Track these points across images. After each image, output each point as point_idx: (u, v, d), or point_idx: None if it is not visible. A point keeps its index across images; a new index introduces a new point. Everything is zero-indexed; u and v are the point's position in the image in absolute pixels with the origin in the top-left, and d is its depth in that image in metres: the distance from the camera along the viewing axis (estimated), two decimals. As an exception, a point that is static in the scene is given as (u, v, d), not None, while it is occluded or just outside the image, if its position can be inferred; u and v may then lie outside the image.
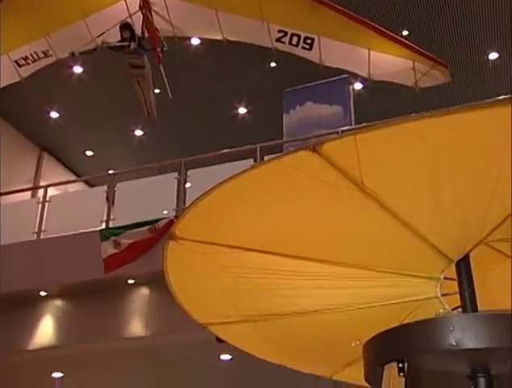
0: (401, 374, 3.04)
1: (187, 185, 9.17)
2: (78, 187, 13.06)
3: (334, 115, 9.78)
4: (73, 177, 14.19)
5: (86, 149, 13.74)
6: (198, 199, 3.11)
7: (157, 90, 9.32)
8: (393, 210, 2.94)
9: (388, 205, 2.90)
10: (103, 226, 8.39)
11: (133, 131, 13.34)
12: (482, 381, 3.03)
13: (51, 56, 9.29)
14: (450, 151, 2.56)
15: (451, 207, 2.91)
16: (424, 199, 2.90)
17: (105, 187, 9.15)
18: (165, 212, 8.68)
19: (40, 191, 9.84)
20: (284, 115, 10.23)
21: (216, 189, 2.99)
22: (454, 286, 3.43)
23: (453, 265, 3.39)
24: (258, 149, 8.77)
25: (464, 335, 2.78)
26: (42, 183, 10.93)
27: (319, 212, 3.09)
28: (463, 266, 3.34)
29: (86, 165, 14.07)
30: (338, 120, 9.58)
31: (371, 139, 2.52)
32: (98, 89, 12.09)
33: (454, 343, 2.79)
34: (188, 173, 9.23)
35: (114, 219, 8.64)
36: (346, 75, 9.75)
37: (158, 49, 8.45)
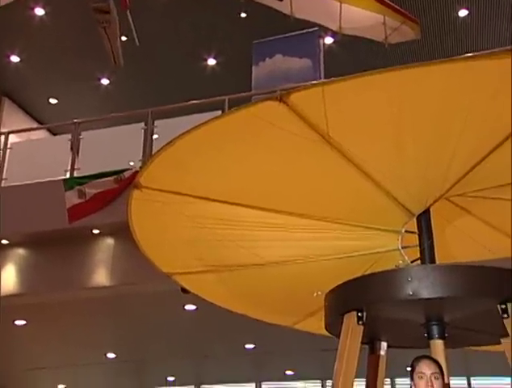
0: (360, 323, 3.14)
1: (155, 136, 9.05)
2: (41, 135, 12.76)
3: (304, 69, 9.70)
4: (35, 125, 13.84)
5: (50, 97, 13.35)
6: (163, 148, 3.07)
7: (123, 38, 9.05)
8: (358, 163, 2.96)
9: (352, 158, 2.92)
10: (68, 176, 8.27)
11: (99, 79, 12.99)
12: (435, 328, 3.15)
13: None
14: (414, 104, 2.58)
15: (414, 161, 2.95)
16: (388, 152, 2.93)
17: (69, 136, 8.98)
18: (132, 163, 8.58)
19: (1, 138, 9.54)
20: (253, 68, 10.10)
21: (181, 138, 2.96)
22: (414, 239, 3.52)
23: (414, 219, 3.47)
24: (227, 101, 8.68)
25: (421, 286, 2.87)
26: (3, 130, 10.58)
27: (284, 164, 3.10)
28: (424, 220, 3.42)
29: (50, 113, 13.71)
30: (308, 73, 9.51)
31: (338, 90, 2.51)
32: (62, 34, 11.67)
33: (411, 293, 2.88)
34: (155, 123, 9.09)
35: (79, 169, 8.50)
36: (316, 28, 9.63)
37: (125, -6, 8.14)
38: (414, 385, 2.78)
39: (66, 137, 9.07)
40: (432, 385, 2.72)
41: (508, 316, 2.83)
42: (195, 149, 3.06)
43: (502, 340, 3.00)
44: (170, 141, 2.99)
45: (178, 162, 3.18)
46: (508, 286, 2.90)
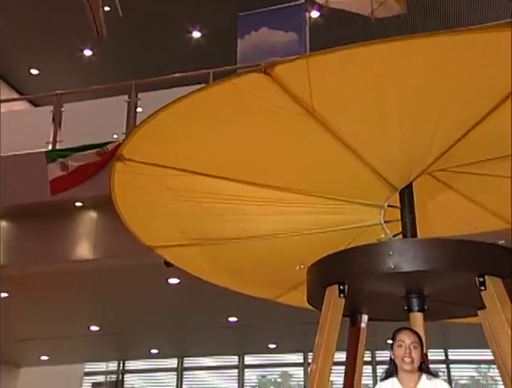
0: (341, 296, 3.19)
1: (139, 110, 8.95)
2: (22, 106, 12.56)
3: (289, 43, 9.61)
4: (16, 96, 13.60)
5: (31, 67, 13.10)
6: (146, 119, 3.04)
7: (106, 9, 8.88)
8: (342, 137, 2.97)
9: (336, 132, 2.92)
10: (50, 148, 8.16)
11: (82, 50, 12.76)
12: (415, 301, 3.21)
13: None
14: (398, 77, 2.58)
15: (398, 135, 2.96)
16: (372, 126, 2.94)
17: (51, 108, 8.84)
18: (115, 136, 8.49)
19: (-19, 109, 9.36)
20: (239, 41, 9.98)
21: (164, 110, 2.93)
22: (397, 214, 3.55)
23: (397, 193, 3.50)
24: (211, 74, 8.59)
25: (402, 259, 2.91)
26: (-18, 101, 10.36)
27: (269, 137, 3.09)
28: (407, 194, 3.46)
29: (31, 84, 13.45)
30: (293, 47, 9.42)
31: (322, 63, 2.50)
32: (43, 3, 11.42)
33: (392, 267, 2.93)
34: (139, 96, 8.98)
35: (61, 141, 8.41)
36: (302, 1, 9.53)
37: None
38: (394, 353, 2.85)
39: (48, 109, 8.92)
40: (410, 354, 2.78)
41: (485, 289, 2.89)
42: (179, 121, 3.04)
43: (479, 312, 3.06)
44: (153, 113, 2.96)
45: (161, 135, 3.15)
46: (486, 260, 2.96)
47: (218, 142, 3.16)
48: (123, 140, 3.34)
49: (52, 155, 7.47)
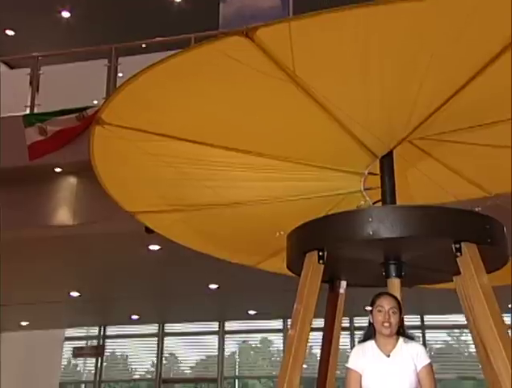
0: (321, 262, 3.22)
1: (119, 75, 8.80)
2: (-2, 68, 12.29)
3: (272, 9, 9.47)
4: (-10, 57, 13.27)
5: (6, 28, 12.74)
6: (126, 82, 2.98)
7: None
8: (323, 103, 2.95)
9: (318, 98, 2.90)
10: (28, 112, 8.01)
11: (60, 12, 12.45)
12: (393, 267, 3.26)
13: None
14: (381, 43, 2.56)
15: (379, 102, 2.95)
16: (354, 93, 2.92)
17: (28, 70, 8.64)
18: (95, 101, 8.36)
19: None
20: (221, 5, 9.82)
21: (144, 73, 2.88)
22: (377, 181, 3.57)
23: (377, 161, 3.52)
24: (193, 39, 8.45)
25: (381, 226, 2.94)
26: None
27: (250, 102, 3.06)
28: (387, 162, 3.47)
29: (7, 45, 13.11)
30: (276, 13, 9.29)
31: (305, 27, 2.46)
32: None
33: (371, 233, 2.95)
34: (119, 61, 8.82)
35: (39, 105, 8.25)
36: (287, -35, 9.37)
37: None
38: (373, 318, 2.90)
39: (25, 72, 8.71)
40: (389, 319, 2.84)
41: (461, 254, 2.94)
42: (159, 85, 2.99)
43: (454, 278, 3.12)
44: (133, 76, 2.91)
45: (141, 98, 3.11)
46: (462, 226, 3.00)
47: (198, 107, 3.12)
48: (103, 103, 3.28)
49: (30, 119, 7.34)
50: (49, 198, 7.69)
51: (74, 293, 10.83)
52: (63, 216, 7.65)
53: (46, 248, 8.24)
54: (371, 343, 2.91)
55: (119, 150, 3.56)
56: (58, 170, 7.65)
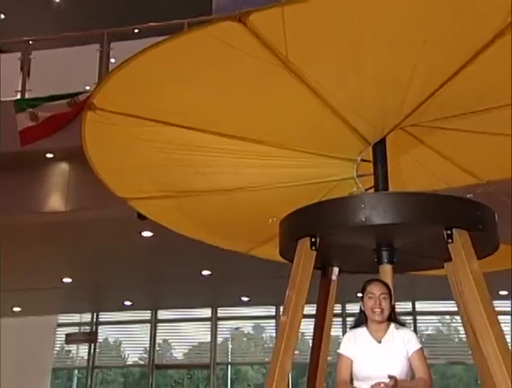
0: (313, 248, 3.23)
1: (112, 60, 8.73)
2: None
3: (267, -6, 9.44)
4: (-20, 41, 13.10)
5: (-3, 12, 12.64)
6: (118, 67, 2.96)
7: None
8: (316, 89, 2.94)
9: (311, 84, 2.89)
10: (19, 97, 7.94)
11: (51, -4, 12.37)
12: (385, 254, 3.28)
13: None
14: (375, 27, 2.54)
15: (372, 88, 2.95)
16: (347, 79, 2.91)
17: (19, 55, 8.55)
18: (88, 87, 8.29)
19: None
20: (214, -10, 9.77)
21: (136, 58, 2.86)
22: (369, 168, 3.58)
23: (370, 148, 3.52)
24: (186, 24, 8.39)
25: (373, 212, 2.95)
26: None
27: (242, 88, 3.04)
28: (380, 149, 3.47)
29: (-3, 29, 13.02)
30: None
31: (298, 11, 2.45)
32: None
33: (363, 220, 2.96)
34: (112, 46, 8.75)
35: (30, 90, 8.18)
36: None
37: None
38: (364, 304, 2.92)
39: (16, 56, 8.62)
40: (380, 304, 2.86)
41: (452, 241, 2.96)
42: (151, 70, 2.97)
43: (446, 265, 3.13)
44: (125, 61, 2.89)
45: (133, 84, 3.08)
46: (454, 213, 3.02)
47: (191, 93, 3.11)
48: (94, 88, 3.26)
49: (21, 104, 7.27)
50: (41, 184, 7.66)
51: (67, 280, 10.83)
52: (55, 202, 7.63)
53: (38, 234, 8.22)
54: (362, 330, 2.93)
55: (111, 136, 3.54)
56: (50, 156, 7.61)
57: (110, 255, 9.44)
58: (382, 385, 2.64)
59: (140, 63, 2.88)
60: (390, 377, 2.65)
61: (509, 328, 11.01)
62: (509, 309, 11.89)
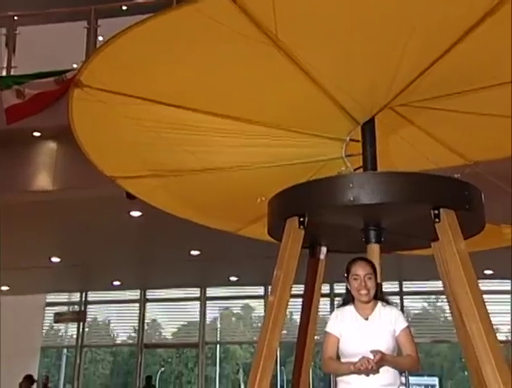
0: (301, 227, 3.23)
1: (99, 38, 8.61)
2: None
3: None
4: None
5: (-18, -12, 12.40)
6: (106, 43, 2.92)
7: None
8: (306, 68, 2.92)
9: (300, 62, 2.87)
10: (4, 74, 7.82)
11: (37, -29, 12.13)
12: (372, 233, 3.29)
13: None
14: (364, 3, 2.52)
15: (362, 67, 2.93)
16: (336, 58, 2.89)
17: (4, 30, 8.41)
18: (75, 65, 8.19)
19: None
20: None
21: (123, 34, 2.81)
22: (358, 148, 3.58)
23: (359, 127, 3.51)
24: (174, 1, 8.28)
25: (361, 192, 2.95)
26: None
27: (231, 66, 3.01)
28: (368, 128, 3.47)
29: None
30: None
31: (288, -12, 2.42)
32: None
33: (351, 199, 2.97)
34: (99, 23, 8.63)
35: (15, 67, 8.07)
36: None
37: None
38: (349, 285, 2.94)
39: (0, 32, 8.49)
40: (365, 285, 2.87)
41: (440, 221, 2.98)
42: (138, 47, 2.93)
43: (432, 244, 3.16)
44: (112, 37, 2.84)
45: (120, 61, 3.04)
46: (441, 192, 3.03)
47: (179, 70, 3.07)
48: (81, 65, 3.21)
49: (7, 81, 7.17)
50: (28, 163, 7.60)
51: (55, 259, 10.81)
52: (43, 181, 7.57)
53: (26, 213, 8.17)
54: (349, 308, 2.95)
55: (98, 114, 3.51)
56: (37, 134, 7.53)
57: (98, 234, 9.42)
58: (366, 359, 2.67)
59: (128, 40, 2.84)
60: (373, 351, 2.67)
61: (493, 307, 11.21)
62: (493, 288, 12.08)
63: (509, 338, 12.16)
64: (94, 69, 3.09)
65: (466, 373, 12.03)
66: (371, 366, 2.66)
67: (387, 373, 2.78)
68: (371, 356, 2.67)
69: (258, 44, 2.75)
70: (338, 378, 2.89)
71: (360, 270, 2.89)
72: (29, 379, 10.45)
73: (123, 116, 3.46)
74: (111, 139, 3.78)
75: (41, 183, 7.58)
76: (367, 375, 2.74)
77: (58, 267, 11.34)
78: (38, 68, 7.43)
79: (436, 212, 2.96)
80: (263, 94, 3.27)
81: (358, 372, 2.73)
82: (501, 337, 12.08)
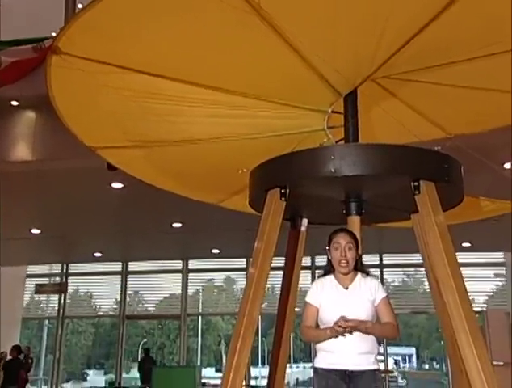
0: (283, 199, 3.24)
1: (79, 6, 8.41)
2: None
3: None
4: None
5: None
6: (84, 9, 2.84)
7: None
8: (288, 38, 2.88)
9: (283, 32, 2.83)
10: (-20, 41, 7.63)
11: None
12: (353, 205, 3.31)
13: None
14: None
15: (344, 38, 2.90)
16: (319, 28, 2.86)
17: (-20, -3, 8.20)
18: (54, 34, 8.01)
19: None
20: None
21: (101, 0, 2.74)
22: (340, 120, 3.57)
23: (341, 99, 3.50)
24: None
25: (343, 163, 2.95)
26: None
27: (213, 35, 2.96)
28: (351, 100, 3.46)
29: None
30: None
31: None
32: None
33: (333, 171, 2.97)
34: (78, -12, 8.45)
35: (-8, 34, 7.89)
36: None
37: None
38: (331, 255, 2.97)
39: (-23, -2, 8.25)
40: (346, 256, 2.91)
41: (419, 192, 3.00)
42: (117, 14, 2.85)
43: (412, 216, 3.19)
44: (91, 3, 2.77)
45: (99, 28, 2.97)
46: (421, 164, 3.05)
47: (159, 39, 3.01)
48: (59, 31, 3.13)
49: (-16, 49, 7.00)
50: (6, 133, 7.47)
51: (35, 230, 10.72)
52: (21, 151, 7.46)
53: (5, 184, 8.04)
54: (330, 277, 2.99)
55: (77, 83, 3.44)
56: (15, 103, 7.39)
57: (79, 206, 9.34)
58: (342, 319, 2.72)
59: (107, 6, 2.77)
60: (343, 318, 2.72)
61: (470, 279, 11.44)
62: (470, 260, 12.31)
63: (485, 309, 12.43)
64: (73, 36, 3.02)
65: (442, 342, 12.30)
66: (346, 327, 2.72)
67: (365, 342, 2.84)
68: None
69: (240, 12, 2.70)
70: (318, 346, 2.94)
71: (341, 239, 2.93)
72: (17, 349, 11.33)
73: (102, 85, 3.40)
74: (90, 108, 3.72)
75: (20, 153, 7.47)
76: (345, 336, 2.78)
77: (38, 239, 11.26)
78: (16, 36, 7.25)
79: (416, 184, 2.98)
80: (245, 64, 3.23)
81: (336, 334, 2.77)
82: (476, 308, 12.35)
